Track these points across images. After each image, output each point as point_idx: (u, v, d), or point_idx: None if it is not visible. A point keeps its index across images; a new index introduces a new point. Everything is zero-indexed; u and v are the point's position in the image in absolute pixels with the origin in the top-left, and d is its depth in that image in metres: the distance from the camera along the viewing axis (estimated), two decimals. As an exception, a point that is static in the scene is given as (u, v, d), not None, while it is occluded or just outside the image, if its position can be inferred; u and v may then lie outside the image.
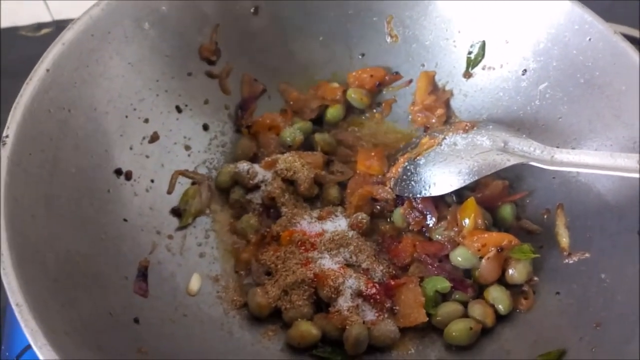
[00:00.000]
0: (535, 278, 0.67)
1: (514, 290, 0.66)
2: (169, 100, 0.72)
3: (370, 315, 0.64)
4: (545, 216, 0.71)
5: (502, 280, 0.67)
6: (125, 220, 0.64)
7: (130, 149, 0.68)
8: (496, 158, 0.67)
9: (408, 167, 0.71)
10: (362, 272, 0.66)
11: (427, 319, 0.63)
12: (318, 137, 0.77)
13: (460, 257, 0.66)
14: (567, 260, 0.66)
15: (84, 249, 0.57)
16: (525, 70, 0.74)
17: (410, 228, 0.71)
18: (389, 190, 0.72)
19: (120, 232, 0.62)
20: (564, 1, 0.68)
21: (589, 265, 0.64)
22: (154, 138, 0.71)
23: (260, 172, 0.73)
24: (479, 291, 0.67)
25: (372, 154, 0.76)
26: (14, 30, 1.10)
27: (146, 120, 0.70)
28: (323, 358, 0.63)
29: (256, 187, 0.73)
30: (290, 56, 0.81)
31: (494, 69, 0.77)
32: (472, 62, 0.78)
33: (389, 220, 0.73)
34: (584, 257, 0.65)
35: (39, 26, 1.11)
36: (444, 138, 0.71)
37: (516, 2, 0.72)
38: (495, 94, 0.77)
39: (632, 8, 1.03)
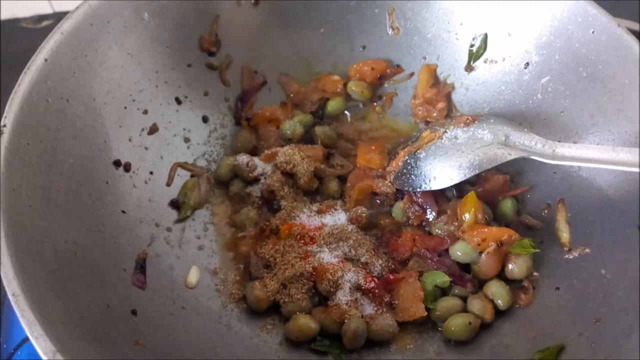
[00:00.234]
0: (535, 273, 0.66)
1: (514, 285, 0.66)
2: (168, 91, 0.72)
3: (369, 309, 0.63)
4: (545, 211, 0.70)
5: (501, 275, 0.66)
6: (123, 211, 0.64)
7: (129, 140, 0.67)
8: (497, 152, 0.66)
9: (408, 161, 0.71)
10: (361, 266, 0.66)
11: (426, 313, 0.63)
12: (318, 130, 0.76)
13: (459, 251, 0.66)
14: (567, 256, 0.66)
15: (82, 240, 0.57)
16: (527, 64, 0.73)
17: (410, 222, 0.71)
18: (389, 184, 0.71)
19: (118, 224, 0.62)
20: (567, -6, 0.68)
21: (590, 261, 0.63)
22: (153, 129, 0.70)
23: (260, 165, 0.73)
24: (479, 286, 0.67)
25: (373, 147, 0.75)
26: (14, 22, 1.09)
27: (145, 112, 0.70)
28: (321, 352, 0.62)
29: (256, 180, 0.73)
30: (290, 48, 0.80)
31: (496, 62, 0.76)
32: (474, 55, 0.78)
33: (389, 214, 0.72)
34: (585, 252, 0.64)
35: (40, 18, 1.10)
36: (445, 131, 0.70)
37: (519, -6, 0.72)
38: (497, 87, 0.76)
39: (634, 5, 1.02)
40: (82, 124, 0.62)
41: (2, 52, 1.03)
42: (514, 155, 0.66)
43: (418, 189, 0.69)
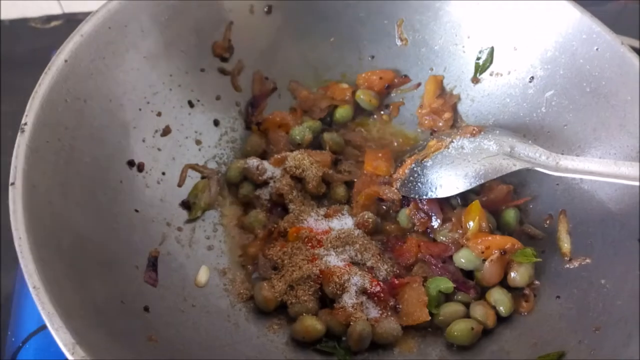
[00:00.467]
0: (537, 282, 0.68)
1: (516, 293, 0.67)
2: (181, 94, 0.73)
3: (373, 312, 0.65)
4: (547, 222, 0.72)
5: (504, 283, 0.68)
6: (136, 210, 0.65)
7: (143, 141, 0.69)
8: (502, 162, 0.68)
9: (415, 169, 0.73)
10: (367, 270, 0.67)
11: (430, 318, 0.64)
12: (327, 136, 0.78)
13: (463, 258, 0.68)
14: (568, 266, 0.67)
15: (97, 237, 0.58)
16: (532, 78, 0.75)
17: (415, 229, 0.72)
18: (395, 190, 0.73)
19: (131, 222, 0.63)
20: (573, 11, 0.70)
21: (590, 271, 0.65)
22: (166, 131, 0.72)
23: (270, 168, 0.74)
24: (481, 293, 0.68)
25: (380, 154, 0.77)
26: (23, 22, 1.11)
27: (159, 114, 0.71)
28: (327, 352, 0.64)
29: (265, 183, 0.74)
30: (301, 56, 0.82)
31: (501, 75, 0.78)
32: (481, 68, 0.79)
33: (394, 220, 0.74)
34: (585, 262, 0.66)
35: (49, 18, 1.12)
36: (452, 141, 0.72)
37: (525, 10, 0.73)
38: (502, 99, 0.78)
39: (634, 22, 1.05)
40: (98, 124, 0.64)
41: (11, 51, 1.05)
42: (518, 166, 0.68)
43: (424, 197, 0.71)
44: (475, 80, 0.80)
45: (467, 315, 0.66)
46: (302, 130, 0.77)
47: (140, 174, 0.67)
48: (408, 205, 0.72)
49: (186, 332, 0.59)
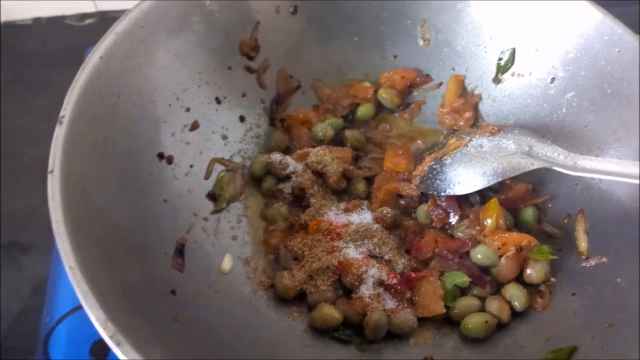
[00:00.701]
0: (552, 279, 0.68)
1: (531, 289, 0.68)
2: (209, 91, 0.76)
3: (390, 303, 0.66)
4: (565, 220, 0.72)
5: (520, 280, 0.69)
6: (165, 200, 0.68)
7: (172, 135, 0.72)
8: (521, 161, 0.69)
9: (434, 166, 0.74)
10: (384, 263, 0.69)
11: (445, 310, 0.66)
12: (348, 133, 0.80)
13: (480, 254, 0.69)
14: (584, 264, 0.68)
15: (128, 224, 0.61)
16: (553, 79, 0.76)
17: (433, 225, 0.73)
18: (414, 187, 0.74)
19: (160, 212, 0.66)
20: (594, 13, 0.70)
21: (606, 269, 0.65)
22: (194, 126, 0.75)
23: (292, 163, 0.76)
24: (497, 288, 0.69)
25: (400, 152, 0.79)
26: (59, 20, 1.14)
27: (188, 110, 0.74)
28: (344, 340, 0.66)
29: (287, 177, 0.76)
30: (325, 55, 0.84)
31: (523, 75, 0.79)
32: (502, 69, 0.80)
33: (412, 216, 0.75)
34: (602, 261, 0.66)
35: (83, 16, 1.15)
36: (471, 140, 0.73)
37: (547, 12, 0.74)
38: (523, 100, 0.79)
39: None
40: (130, 118, 0.67)
41: (47, 48, 1.09)
42: (536, 165, 0.69)
43: (442, 193, 0.72)
44: (496, 80, 0.81)
45: (482, 310, 0.67)
46: (324, 127, 0.79)
47: (169, 166, 0.70)
48: (427, 202, 0.74)
49: (210, 315, 0.62)
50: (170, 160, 0.71)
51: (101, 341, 0.72)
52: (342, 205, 0.75)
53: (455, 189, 0.72)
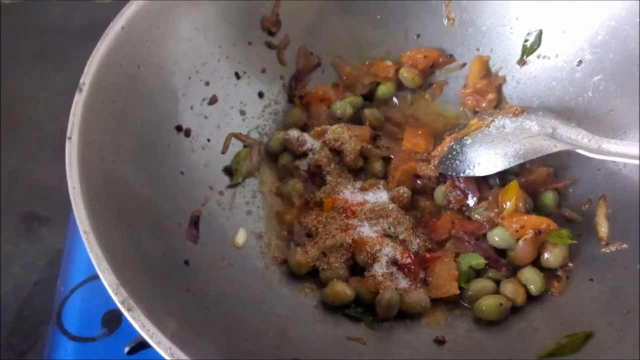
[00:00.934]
0: (570, 264, 0.67)
1: (548, 273, 0.67)
2: (229, 66, 0.76)
3: (403, 283, 0.66)
4: (586, 206, 0.71)
5: (536, 264, 0.67)
6: (182, 173, 0.68)
7: (191, 108, 0.72)
8: (543, 143, 0.68)
9: (454, 147, 0.73)
10: (399, 242, 0.68)
11: (459, 291, 0.65)
12: (367, 112, 0.79)
13: (497, 237, 0.68)
14: (604, 250, 0.66)
15: (145, 193, 0.62)
16: (580, 62, 0.74)
17: (450, 206, 0.72)
18: (433, 168, 0.73)
19: (177, 183, 0.67)
20: (627, -6, 0.68)
21: (626, 256, 0.64)
22: (213, 100, 0.75)
23: (309, 140, 0.76)
24: (513, 272, 0.68)
25: (419, 132, 0.78)
26: (84, -4, 1.16)
27: (207, 83, 0.74)
28: (355, 318, 0.65)
29: (304, 154, 0.76)
30: (346, 32, 0.83)
31: (549, 58, 0.77)
32: (528, 50, 0.79)
33: (429, 197, 0.74)
34: (622, 247, 0.65)
35: (107, -8, 1.16)
36: (493, 120, 0.72)
37: (577, -8, 0.72)
38: (548, 82, 0.77)
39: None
40: (150, 89, 0.67)
41: (70, 24, 1.10)
42: (559, 147, 0.67)
43: (461, 174, 0.71)
44: (521, 62, 0.79)
45: (497, 292, 0.66)
46: (343, 105, 0.78)
47: (187, 139, 0.71)
48: (444, 183, 0.73)
49: (222, 287, 0.62)
50: (188, 133, 0.71)
51: (113, 312, 0.74)
52: (358, 184, 0.74)
53: (474, 170, 0.70)
